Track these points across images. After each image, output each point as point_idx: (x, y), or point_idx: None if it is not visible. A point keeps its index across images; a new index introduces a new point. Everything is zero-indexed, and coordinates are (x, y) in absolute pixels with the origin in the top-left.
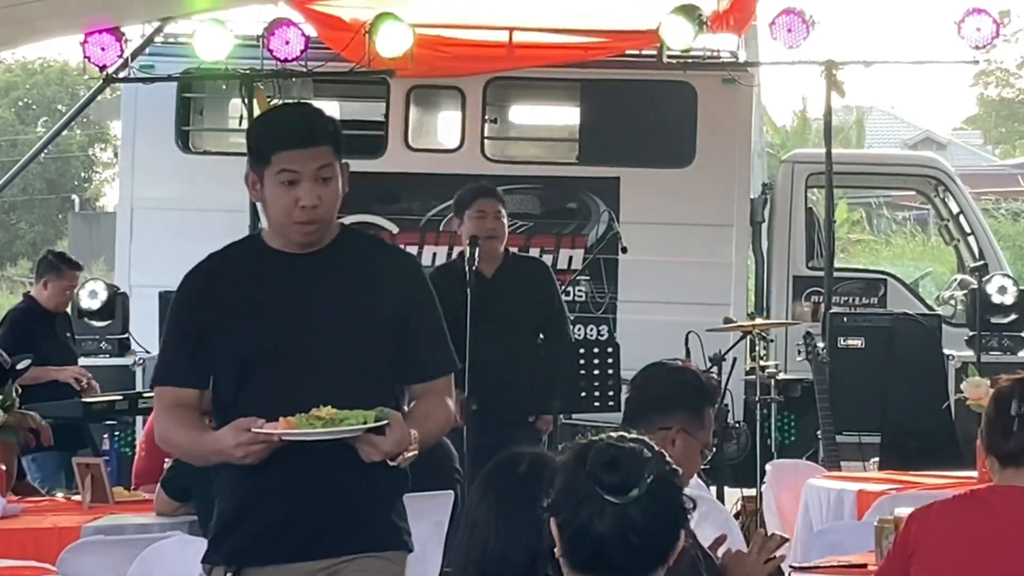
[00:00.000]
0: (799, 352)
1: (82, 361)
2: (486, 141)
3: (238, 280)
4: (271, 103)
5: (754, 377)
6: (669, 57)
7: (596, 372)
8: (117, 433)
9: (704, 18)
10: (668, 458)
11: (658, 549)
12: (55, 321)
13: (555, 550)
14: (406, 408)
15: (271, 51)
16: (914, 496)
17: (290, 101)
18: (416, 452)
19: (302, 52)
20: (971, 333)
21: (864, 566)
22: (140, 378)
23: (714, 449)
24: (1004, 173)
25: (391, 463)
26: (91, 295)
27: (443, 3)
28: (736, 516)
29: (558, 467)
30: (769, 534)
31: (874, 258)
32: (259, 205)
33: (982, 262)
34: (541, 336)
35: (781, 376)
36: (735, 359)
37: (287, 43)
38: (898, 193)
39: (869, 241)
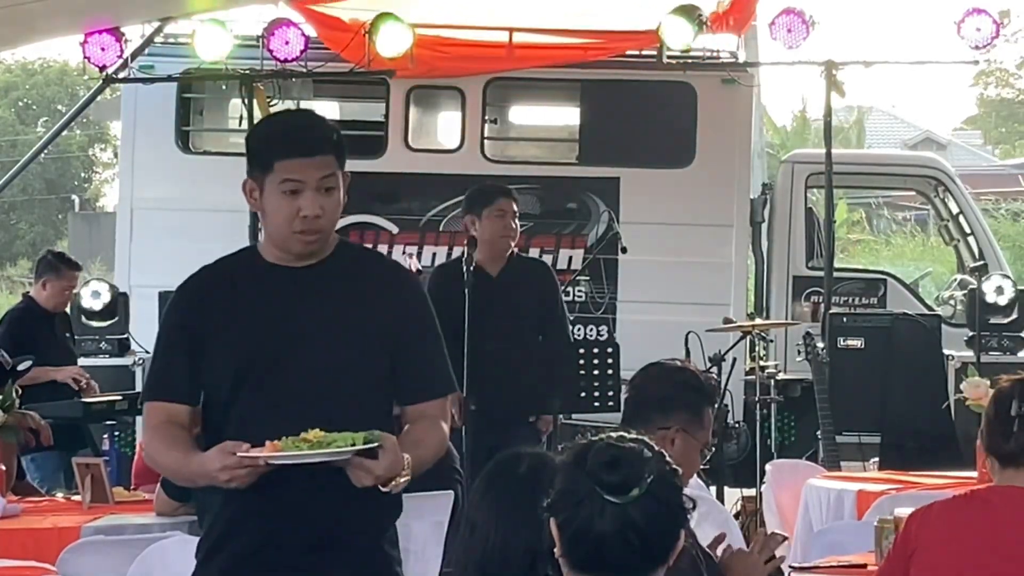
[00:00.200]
0: (799, 352)
1: (82, 361)
2: (486, 141)
3: (232, 293)
4: (271, 103)
5: (754, 377)
6: (669, 57)
7: (596, 372)
8: (117, 433)
9: (704, 18)
10: (668, 458)
11: (658, 549)
12: (54, 321)
13: (555, 550)
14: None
15: (271, 51)
16: (914, 496)
17: (291, 106)
18: (409, 478)
19: (302, 52)
20: (971, 333)
21: (864, 566)
22: (140, 378)
23: (714, 449)
24: (1004, 173)
25: (383, 488)
26: (94, 295)
27: (443, 3)
28: (736, 516)
29: (558, 467)
30: (769, 533)
31: (874, 258)
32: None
33: (982, 262)
34: (541, 337)
35: (781, 376)
36: (735, 359)
37: (287, 43)
38: (898, 193)
39: (869, 241)
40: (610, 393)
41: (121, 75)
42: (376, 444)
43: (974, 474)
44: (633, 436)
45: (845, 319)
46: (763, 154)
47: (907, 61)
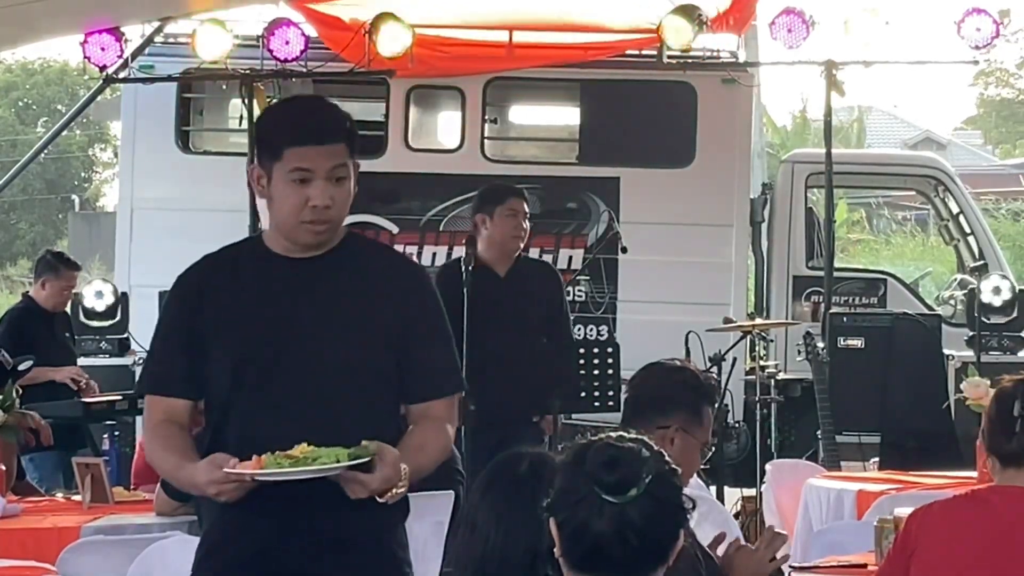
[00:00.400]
0: (799, 352)
1: (82, 361)
2: (486, 141)
3: (234, 284)
4: (271, 103)
5: (754, 377)
6: (669, 57)
7: (596, 372)
8: (117, 433)
9: (704, 18)
10: (667, 457)
11: (657, 548)
12: (53, 321)
13: (554, 550)
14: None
15: (271, 51)
16: (914, 496)
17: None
18: (406, 488)
19: (302, 52)
20: (971, 333)
21: (864, 566)
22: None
23: (713, 448)
24: (1004, 173)
25: (379, 499)
26: (97, 295)
27: (443, 3)
28: (736, 516)
29: (557, 467)
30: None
31: (874, 258)
32: (259, 203)
33: (982, 262)
34: (545, 339)
35: (781, 376)
36: (735, 359)
37: (287, 43)
38: (898, 193)
39: (869, 241)
40: (610, 393)
41: (121, 75)
42: (366, 459)
43: (974, 474)
44: (632, 436)
45: (845, 319)
46: (763, 154)
47: (907, 61)
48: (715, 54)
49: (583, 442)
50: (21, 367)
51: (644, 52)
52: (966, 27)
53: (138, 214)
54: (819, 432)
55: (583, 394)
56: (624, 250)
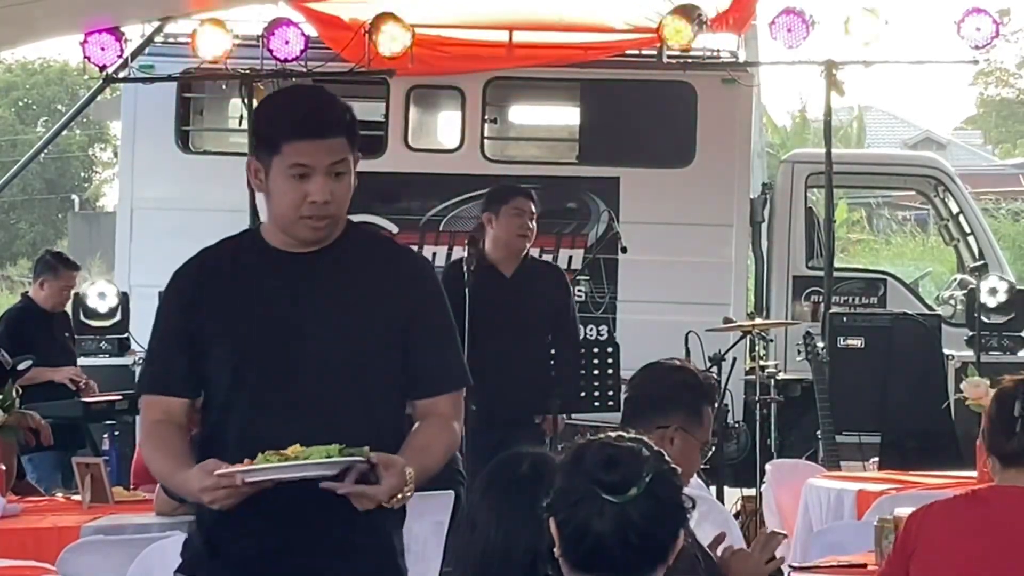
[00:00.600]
0: (799, 352)
1: (82, 361)
2: (486, 141)
3: (233, 281)
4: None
5: (754, 377)
6: (669, 57)
7: (596, 372)
8: (117, 433)
9: (704, 18)
10: (667, 457)
11: (657, 548)
12: (53, 321)
13: (554, 550)
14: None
15: (271, 51)
16: (914, 496)
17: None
18: (412, 492)
19: (302, 52)
20: (971, 333)
21: (864, 566)
22: None
23: (713, 448)
24: (1004, 173)
25: (385, 505)
26: (100, 296)
27: (443, 3)
28: (736, 516)
29: (558, 467)
30: (769, 532)
31: (874, 258)
32: (258, 199)
33: (982, 262)
34: (550, 338)
35: (781, 376)
36: (735, 359)
37: (287, 43)
38: (898, 193)
39: (869, 241)
40: (610, 393)
41: (121, 75)
42: (362, 460)
43: (974, 474)
44: (631, 436)
45: (845, 319)
46: (763, 154)
47: (907, 61)
48: (715, 54)
49: (583, 442)
50: (20, 367)
51: (644, 52)
52: (966, 27)
53: (138, 214)
54: (819, 432)
55: (583, 394)
56: (624, 250)
